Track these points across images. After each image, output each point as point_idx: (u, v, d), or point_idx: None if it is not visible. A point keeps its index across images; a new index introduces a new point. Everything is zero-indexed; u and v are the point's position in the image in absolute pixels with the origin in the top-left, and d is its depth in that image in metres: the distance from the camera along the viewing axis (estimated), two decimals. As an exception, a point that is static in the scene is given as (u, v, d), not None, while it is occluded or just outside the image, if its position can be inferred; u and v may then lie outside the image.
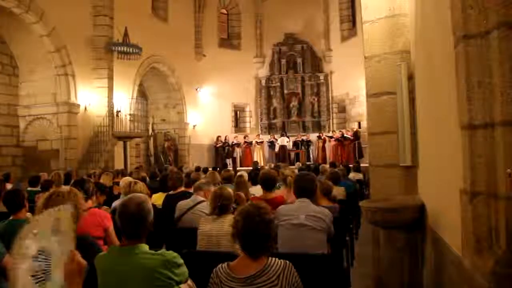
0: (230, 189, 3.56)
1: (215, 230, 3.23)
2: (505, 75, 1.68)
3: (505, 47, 1.68)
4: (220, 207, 3.32)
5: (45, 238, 1.54)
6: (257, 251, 2.07)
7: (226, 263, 2.13)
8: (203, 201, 4.18)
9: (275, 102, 19.89)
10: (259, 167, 11.81)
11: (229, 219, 3.25)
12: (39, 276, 1.49)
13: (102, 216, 3.43)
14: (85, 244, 2.41)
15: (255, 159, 17.48)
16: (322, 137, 18.05)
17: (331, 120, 19.48)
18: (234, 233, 2.14)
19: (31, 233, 1.53)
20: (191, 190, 4.95)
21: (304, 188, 3.38)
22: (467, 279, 1.90)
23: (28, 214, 3.56)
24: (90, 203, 3.58)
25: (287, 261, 2.09)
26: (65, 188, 2.67)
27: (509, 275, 1.62)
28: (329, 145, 17.75)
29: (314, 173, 8.43)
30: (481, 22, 1.80)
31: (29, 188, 6.65)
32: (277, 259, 2.09)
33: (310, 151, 18.52)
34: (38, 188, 6.44)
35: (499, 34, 1.70)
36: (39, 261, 1.50)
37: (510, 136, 1.69)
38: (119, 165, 12.98)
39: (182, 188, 5.17)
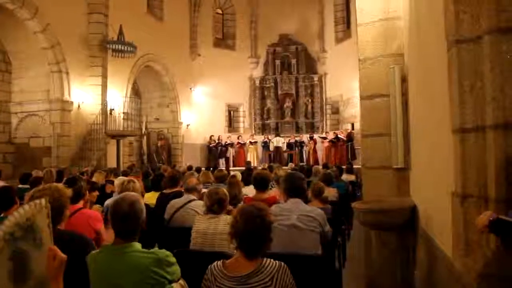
0: (225, 189, 3.56)
1: (211, 229, 3.23)
2: (496, 80, 1.71)
3: (497, 52, 1.70)
4: (215, 206, 3.32)
5: (19, 238, 1.46)
6: (254, 252, 2.06)
7: (221, 260, 2.12)
8: (194, 199, 4.16)
9: (269, 103, 19.85)
10: (252, 167, 11.80)
11: (223, 218, 3.26)
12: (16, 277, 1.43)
13: (92, 217, 3.36)
14: (77, 240, 2.41)
15: (248, 160, 17.45)
16: (313, 138, 18.08)
17: (324, 122, 19.53)
18: (232, 232, 2.11)
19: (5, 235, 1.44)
20: (185, 190, 4.89)
21: (295, 187, 3.38)
22: (458, 280, 1.92)
23: (20, 212, 3.52)
24: (81, 203, 3.51)
25: (282, 263, 2.08)
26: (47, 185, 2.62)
27: (498, 277, 1.64)
28: (322, 146, 17.78)
29: (306, 174, 8.47)
30: (473, 27, 1.82)
31: (20, 186, 6.58)
32: (272, 260, 2.08)
33: (303, 152, 18.53)
34: (28, 186, 6.36)
35: (491, 39, 1.73)
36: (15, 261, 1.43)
37: (501, 140, 1.71)
38: (112, 163, 12.88)
39: (177, 188, 5.11)
